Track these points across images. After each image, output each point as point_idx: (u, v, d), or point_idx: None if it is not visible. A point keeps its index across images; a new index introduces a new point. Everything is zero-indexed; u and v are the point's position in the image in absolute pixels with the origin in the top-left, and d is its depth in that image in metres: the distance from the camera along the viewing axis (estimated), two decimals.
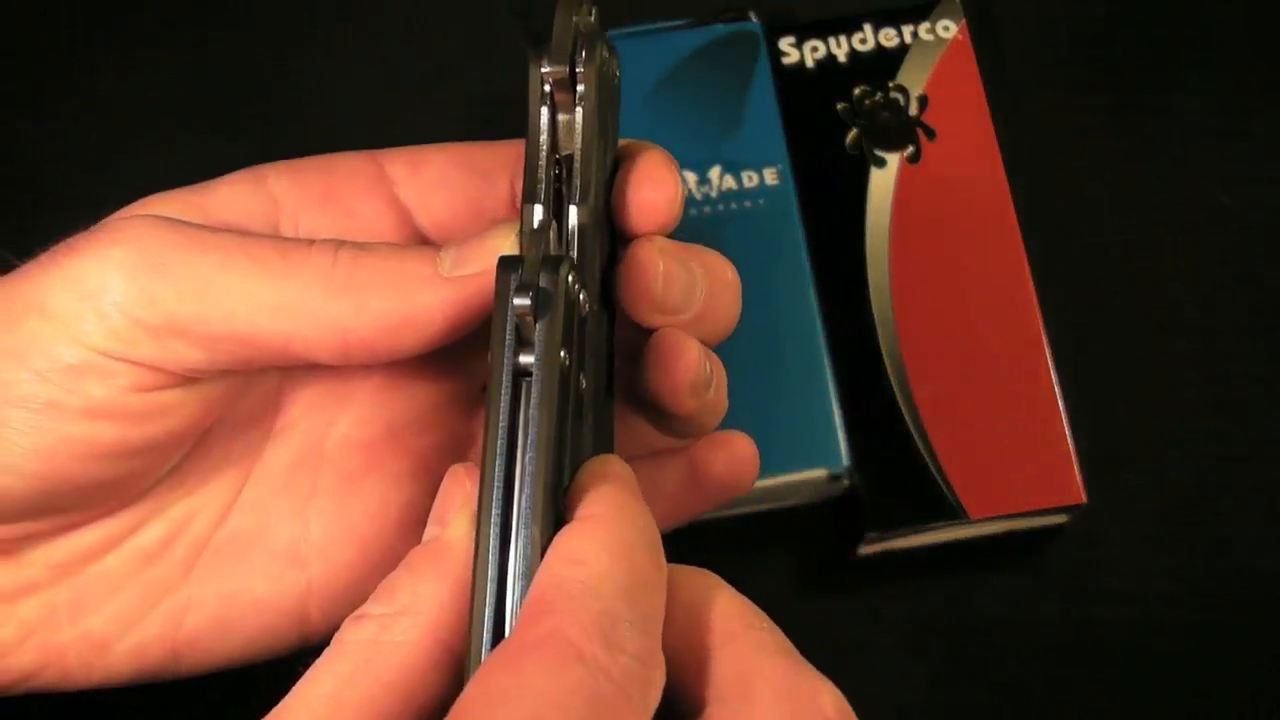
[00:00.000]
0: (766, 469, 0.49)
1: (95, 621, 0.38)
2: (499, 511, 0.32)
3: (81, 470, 0.36)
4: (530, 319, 0.33)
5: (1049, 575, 0.51)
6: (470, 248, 0.36)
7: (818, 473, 0.49)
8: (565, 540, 0.32)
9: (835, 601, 0.51)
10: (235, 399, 0.39)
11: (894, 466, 0.49)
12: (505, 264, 0.34)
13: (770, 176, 0.51)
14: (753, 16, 0.53)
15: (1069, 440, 0.49)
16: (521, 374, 0.33)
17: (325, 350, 0.36)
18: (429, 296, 0.36)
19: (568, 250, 0.36)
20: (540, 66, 0.35)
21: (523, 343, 0.33)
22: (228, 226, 0.37)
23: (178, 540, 0.39)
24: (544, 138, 0.36)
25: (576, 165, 0.36)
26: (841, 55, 0.53)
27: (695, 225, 0.50)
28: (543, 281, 0.33)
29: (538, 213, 0.36)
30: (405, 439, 0.41)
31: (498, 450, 0.32)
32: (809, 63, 0.53)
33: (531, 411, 0.32)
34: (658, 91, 0.52)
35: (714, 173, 0.51)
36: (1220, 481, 0.52)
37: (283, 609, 0.39)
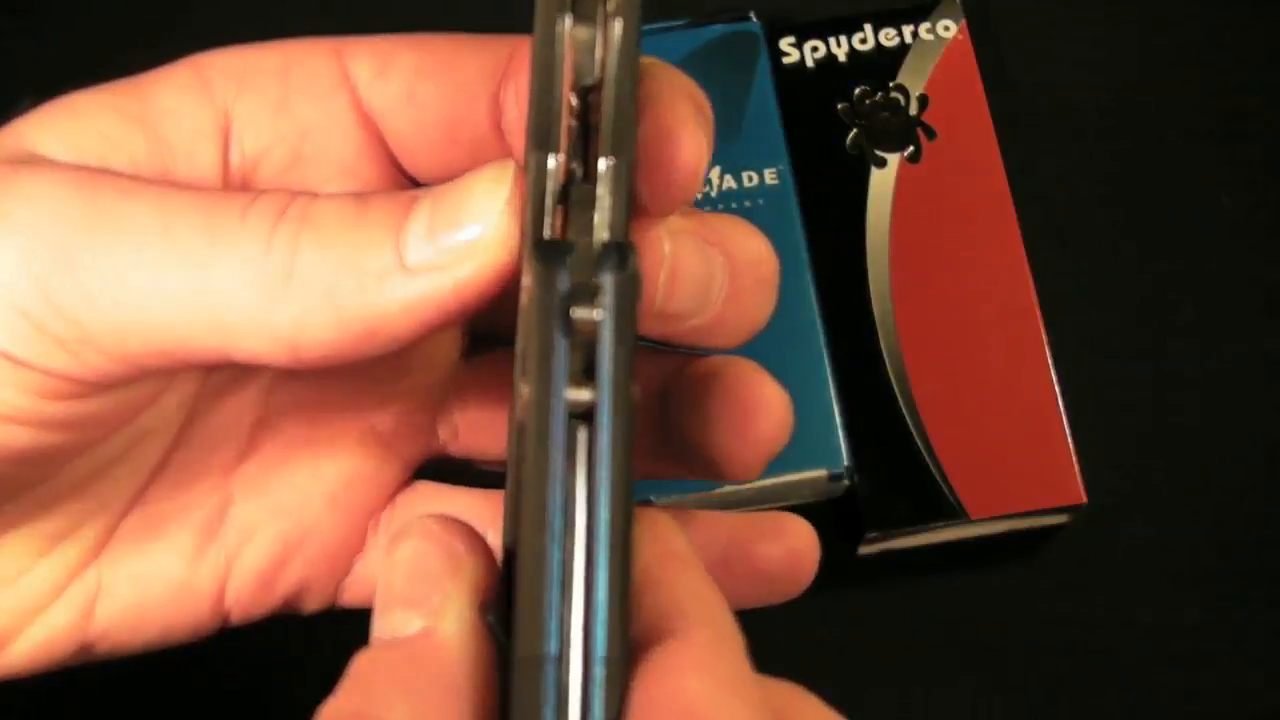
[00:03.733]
0: (766, 469, 0.49)
1: None
2: (555, 615, 0.23)
3: None
4: (597, 338, 0.24)
5: (1049, 575, 0.51)
6: (444, 214, 0.28)
7: (818, 473, 0.49)
8: (671, 677, 0.23)
9: (835, 601, 0.51)
10: (166, 387, 0.33)
11: (894, 466, 0.49)
12: (547, 252, 0.25)
13: (770, 176, 0.51)
14: (753, 16, 0.53)
15: (1069, 440, 0.49)
16: (575, 415, 0.24)
17: (270, 359, 0.29)
18: (391, 300, 0.28)
19: (613, 228, 0.26)
20: None
21: (576, 371, 0.24)
22: (172, 152, 0.31)
23: (90, 520, 0.34)
24: (563, 60, 0.26)
25: (609, 102, 0.26)
26: (841, 55, 0.53)
27: None
28: (613, 284, 0.24)
29: (552, 164, 0.26)
30: (350, 409, 0.35)
31: (551, 529, 0.23)
32: (809, 63, 0.53)
33: (597, 478, 0.24)
34: None
35: (714, 173, 0.51)
36: (1220, 481, 0.52)
37: (198, 591, 0.34)
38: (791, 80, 0.52)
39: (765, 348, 0.50)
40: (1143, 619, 0.51)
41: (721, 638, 0.25)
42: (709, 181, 0.51)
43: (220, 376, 0.35)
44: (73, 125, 0.31)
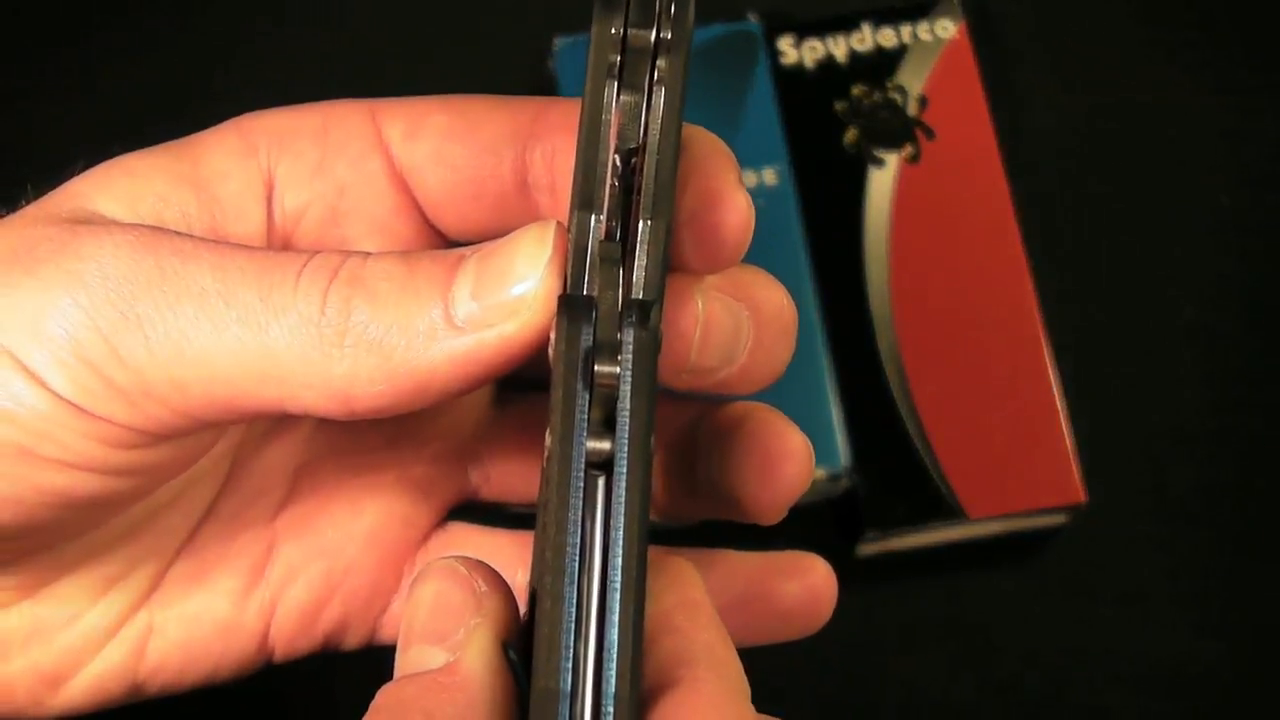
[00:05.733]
0: None
1: (47, 653, 0.34)
2: (570, 654, 0.24)
3: (56, 518, 0.32)
4: (617, 391, 0.25)
5: (1049, 575, 0.51)
6: (489, 273, 0.29)
7: (817, 473, 0.49)
8: None
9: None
10: (218, 437, 0.35)
11: (893, 466, 0.49)
12: (572, 307, 0.26)
13: (770, 176, 0.51)
14: (751, 16, 0.53)
15: (1069, 440, 0.49)
16: (594, 465, 0.25)
17: (325, 411, 0.30)
18: (440, 355, 0.29)
19: (644, 286, 0.27)
20: (611, 27, 0.27)
21: (597, 422, 0.25)
22: (223, 210, 0.33)
23: (143, 563, 0.35)
24: (609, 125, 0.27)
25: (651, 167, 0.27)
26: (840, 55, 0.53)
27: None
28: (633, 341, 0.25)
29: (594, 224, 0.27)
30: (386, 455, 0.37)
31: (567, 572, 0.24)
32: (808, 62, 0.53)
33: (614, 526, 0.25)
34: None
35: None
36: (1220, 481, 0.52)
37: (246, 630, 0.36)
38: (790, 80, 0.52)
39: None
40: (1142, 619, 0.51)
41: (729, 687, 0.26)
42: None
43: (263, 426, 0.36)
44: (128, 185, 0.32)
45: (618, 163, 0.28)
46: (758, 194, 0.51)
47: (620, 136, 0.27)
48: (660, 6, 0.27)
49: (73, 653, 0.35)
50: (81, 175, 0.33)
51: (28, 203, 0.33)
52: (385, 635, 0.37)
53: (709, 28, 0.53)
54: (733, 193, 0.30)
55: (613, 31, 0.27)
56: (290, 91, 0.57)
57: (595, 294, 0.27)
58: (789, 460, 0.32)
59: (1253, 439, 0.53)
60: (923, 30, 0.53)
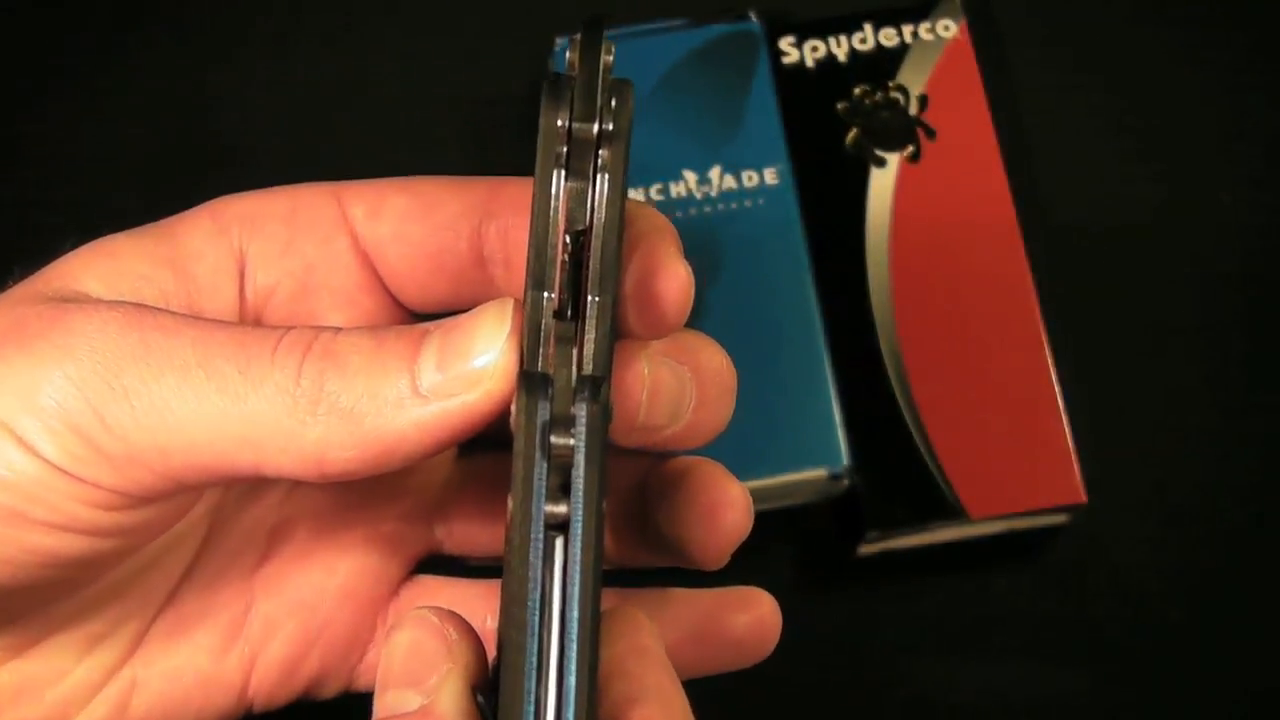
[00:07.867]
0: (766, 469, 0.49)
1: (35, 709, 0.36)
2: (532, 700, 0.27)
3: (46, 577, 0.33)
4: (572, 461, 0.28)
5: (1049, 575, 0.51)
6: (453, 346, 0.31)
7: (818, 472, 0.49)
8: None
9: (835, 601, 0.51)
10: (197, 499, 0.37)
11: (894, 466, 0.49)
12: (531, 384, 0.28)
13: (770, 176, 0.51)
14: (752, 16, 0.53)
15: (1069, 440, 0.49)
16: (552, 527, 0.28)
17: (298, 475, 0.32)
18: (407, 422, 0.31)
19: (594, 360, 0.30)
20: (557, 121, 0.29)
21: (554, 488, 0.28)
22: (198, 288, 0.35)
23: (126, 622, 0.37)
24: (559, 210, 0.30)
25: (597, 248, 0.30)
26: (841, 55, 0.53)
27: (695, 225, 0.51)
28: (585, 415, 0.28)
29: (548, 303, 0.30)
30: (356, 513, 0.39)
31: (529, 626, 0.27)
32: (809, 62, 0.53)
33: (570, 582, 0.27)
34: (657, 91, 0.52)
35: (714, 173, 0.51)
36: (1220, 481, 0.52)
37: (226, 684, 0.38)
38: (791, 80, 0.52)
39: (766, 347, 0.50)
40: (1142, 619, 0.51)
41: None
42: (709, 180, 0.51)
43: (240, 489, 0.38)
44: (111, 265, 0.35)
45: (568, 242, 0.30)
46: (758, 194, 0.51)
47: (569, 219, 0.30)
48: (601, 101, 0.29)
49: (59, 708, 0.36)
50: (67, 256, 0.35)
51: (14, 283, 0.35)
52: (362, 683, 0.39)
53: (709, 28, 0.53)
54: (673, 264, 0.32)
55: (559, 124, 0.29)
56: (293, 87, 0.57)
57: (551, 370, 0.30)
58: (729, 509, 0.34)
59: (1253, 439, 0.53)
60: (924, 30, 0.53)
